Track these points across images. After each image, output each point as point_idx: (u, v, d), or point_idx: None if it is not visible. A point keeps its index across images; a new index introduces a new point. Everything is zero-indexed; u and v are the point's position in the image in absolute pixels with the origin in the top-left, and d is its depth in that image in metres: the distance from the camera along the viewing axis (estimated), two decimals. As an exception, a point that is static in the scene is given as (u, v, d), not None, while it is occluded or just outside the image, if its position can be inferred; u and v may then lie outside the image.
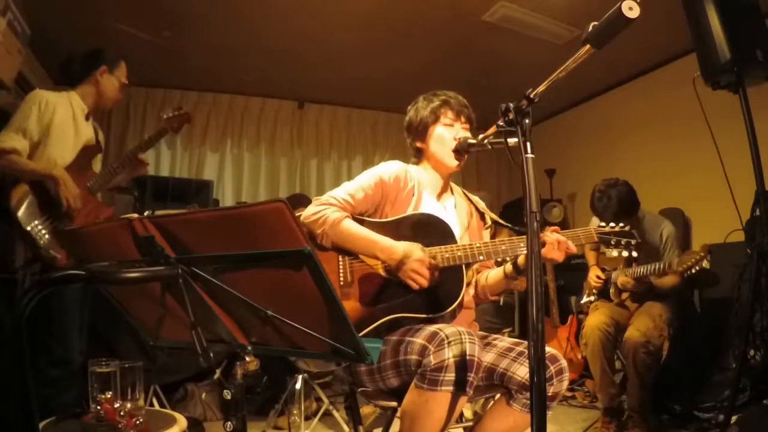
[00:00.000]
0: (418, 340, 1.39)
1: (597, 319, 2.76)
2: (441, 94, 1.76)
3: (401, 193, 1.67)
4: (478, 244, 1.55)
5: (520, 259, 1.62)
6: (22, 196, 2.07)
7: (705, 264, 2.56)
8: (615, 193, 2.77)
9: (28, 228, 2.04)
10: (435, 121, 1.73)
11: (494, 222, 1.83)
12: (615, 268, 2.96)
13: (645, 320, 2.69)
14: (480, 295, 1.78)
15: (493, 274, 1.74)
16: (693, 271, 2.55)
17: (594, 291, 3.07)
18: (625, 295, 2.92)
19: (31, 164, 2.11)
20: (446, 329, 1.36)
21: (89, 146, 2.33)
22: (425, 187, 1.74)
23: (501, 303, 3.97)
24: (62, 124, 2.22)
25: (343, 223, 1.55)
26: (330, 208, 1.58)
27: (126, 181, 2.54)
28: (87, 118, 2.35)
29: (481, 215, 1.86)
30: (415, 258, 1.47)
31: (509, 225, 1.79)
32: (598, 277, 3.03)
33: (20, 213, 2.04)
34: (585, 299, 3.14)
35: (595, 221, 2.84)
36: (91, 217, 2.25)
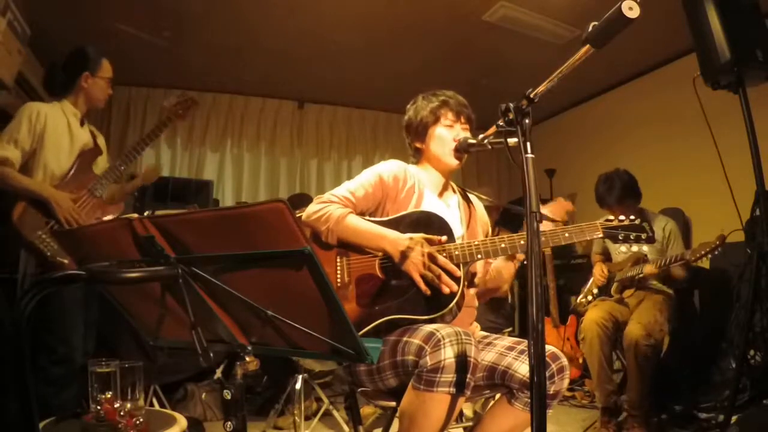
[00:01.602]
0: (415, 340, 1.39)
1: (596, 314, 2.77)
2: (440, 94, 1.76)
3: (401, 191, 1.67)
4: (476, 242, 1.54)
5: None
6: (24, 209, 2.10)
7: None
8: (618, 179, 2.90)
9: (33, 239, 2.07)
10: (435, 122, 1.73)
11: (498, 220, 1.83)
12: (621, 269, 2.97)
13: (646, 314, 2.72)
14: (485, 292, 1.79)
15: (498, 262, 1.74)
16: (709, 257, 2.56)
17: (594, 291, 3.07)
18: (627, 293, 2.92)
19: (23, 181, 2.13)
20: (443, 330, 1.36)
21: (87, 150, 2.34)
22: (426, 185, 1.74)
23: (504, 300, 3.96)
24: (56, 132, 2.23)
25: (348, 219, 1.55)
26: (332, 205, 1.58)
27: (136, 187, 2.56)
28: (82, 124, 2.37)
29: (481, 217, 1.87)
30: (420, 248, 1.47)
31: (518, 208, 1.75)
32: (603, 272, 3.03)
33: (23, 225, 2.07)
34: (581, 298, 3.14)
35: None
36: (96, 215, 2.28)
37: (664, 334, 2.70)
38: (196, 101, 2.66)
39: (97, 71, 2.35)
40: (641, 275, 2.79)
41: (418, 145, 1.79)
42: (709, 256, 2.55)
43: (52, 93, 2.40)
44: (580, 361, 3.56)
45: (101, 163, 2.42)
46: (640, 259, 2.83)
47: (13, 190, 2.11)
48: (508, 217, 3.43)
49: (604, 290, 3.03)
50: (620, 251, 3.06)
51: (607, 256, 3.24)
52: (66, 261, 2.08)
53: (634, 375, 2.58)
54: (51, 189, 2.15)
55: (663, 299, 2.86)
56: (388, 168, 1.69)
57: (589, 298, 3.06)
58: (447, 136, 1.71)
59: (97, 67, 2.36)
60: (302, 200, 3.56)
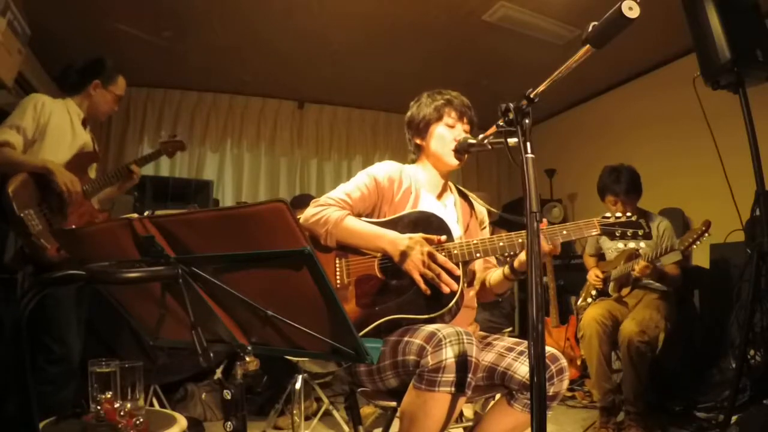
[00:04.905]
0: (416, 340, 1.39)
1: (595, 312, 2.79)
2: (445, 93, 1.76)
3: (397, 193, 1.67)
4: (475, 241, 1.54)
5: (515, 262, 1.63)
6: (19, 183, 2.08)
7: (707, 236, 2.55)
8: (626, 171, 2.90)
9: (21, 214, 2.05)
10: (438, 120, 1.73)
11: (495, 221, 1.82)
12: (615, 267, 2.97)
13: (642, 312, 2.75)
14: (487, 293, 1.79)
15: (495, 275, 1.74)
16: (696, 245, 2.55)
17: (592, 293, 3.07)
18: (624, 291, 2.93)
19: (24, 157, 2.14)
20: (444, 330, 1.36)
21: (86, 152, 2.35)
22: (423, 185, 1.74)
23: (500, 301, 3.97)
24: (59, 127, 2.24)
25: (346, 221, 1.55)
26: (330, 207, 1.58)
27: (117, 193, 2.55)
28: (84, 125, 2.38)
29: (479, 215, 1.86)
30: (420, 248, 1.47)
31: (513, 216, 1.75)
32: (598, 277, 3.04)
33: (15, 199, 2.06)
34: (581, 302, 3.14)
35: None
36: (85, 219, 2.27)
37: (659, 331, 2.71)
38: (185, 147, 2.76)
39: (109, 84, 2.38)
40: (634, 273, 2.79)
41: (418, 141, 1.78)
42: (699, 242, 2.54)
43: (62, 89, 2.42)
44: (578, 363, 3.56)
45: (93, 171, 2.43)
46: (632, 255, 2.84)
47: (15, 166, 2.11)
48: (505, 219, 3.42)
49: (602, 291, 3.04)
50: (614, 249, 3.06)
51: (601, 257, 3.24)
52: (48, 246, 2.08)
53: (629, 372, 2.60)
54: (53, 161, 2.16)
55: (660, 298, 2.86)
56: (383, 169, 1.69)
57: (589, 300, 3.07)
58: (447, 135, 1.71)
59: (110, 80, 2.39)
60: (304, 201, 3.56)
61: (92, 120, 2.45)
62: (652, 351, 2.63)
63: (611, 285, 2.97)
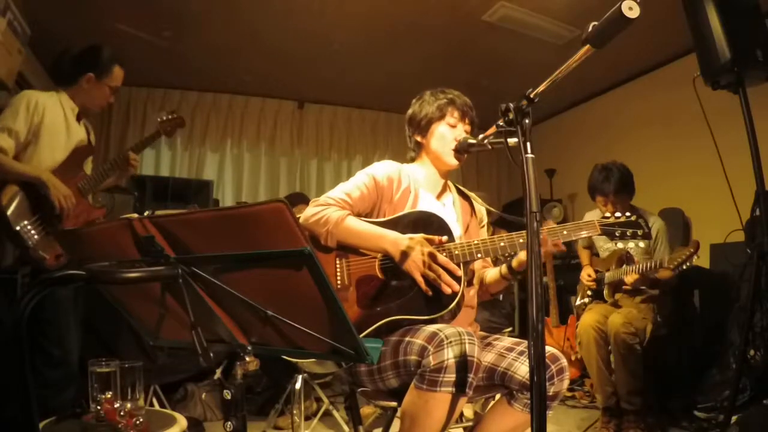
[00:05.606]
0: (418, 340, 1.39)
1: (590, 318, 2.78)
2: (448, 92, 1.76)
3: (396, 192, 1.67)
4: (476, 242, 1.54)
5: (514, 262, 1.63)
6: (11, 196, 2.03)
7: (696, 258, 2.55)
8: (616, 170, 2.86)
9: (17, 228, 2.01)
10: (440, 119, 1.72)
11: (495, 221, 1.82)
12: (608, 269, 2.96)
13: (629, 308, 2.78)
14: (483, 292, 1.79)
15: (491, 274, 1.75)
16: (685, 266, 2.54)
17: (588, 292, 3.06)
18: (618, 295, 2.93)
19: (18, 166, 2.06)
20: (446, 330, 1.36)
21: (81, 147, 2.28)
22: (422, 185, 1.74)
23: (500, 300, 3.97)
24: (53, 125, 2.17)
25: (347, 221, 1.55)
26: (330, 207, 1.57)
27: (116, 182, 2.48)
28: (78, 119, 2.31)
29: (478, 213, 1.86)
30: (421, 248, 1.47)
31: (512, 217, 1.75)
32: (590, 276, 3.03)
33: (9, 212, 2.01)
34: (579, 301, 3.14)
35: (587, 216, 2.87)
36: (81, 218, 2.21)
37: (647, 322, 2.72)
38: (184, 122, 2.61)
39: (103, 77, 2.27)
40: (626, 287, 2.78)
41: (418, 139, 1.78)
42: (687, 263, 2.52)
43: (55, 81, 2.33)
44: (573, 359, 3.56)
45: (89, 163, 2.37)
46: (622, 257, 2.83)
47: (8, 175, 2.04)
48: (505, 219, 3.42)
49: (598, 293, 3.03)
50: (605, 248, 3.06)
51: (594, 251, 3.23)
52: (47, 256, 2.04)
53: (619, 365, 2.61)
54: (48, 172, 2.09)
55: (650, 297, 2.86)
56: (382, 169, 1.69)
57: (585, 300, 3.07)
58: (448, 135, 1.71)
59: (105, 72, 2.27)
60: (299, 199, 3.57)
61: (87, 112, 2.36)
62: (640, 343, 2.65)
63: (605, 290, 2.96)
